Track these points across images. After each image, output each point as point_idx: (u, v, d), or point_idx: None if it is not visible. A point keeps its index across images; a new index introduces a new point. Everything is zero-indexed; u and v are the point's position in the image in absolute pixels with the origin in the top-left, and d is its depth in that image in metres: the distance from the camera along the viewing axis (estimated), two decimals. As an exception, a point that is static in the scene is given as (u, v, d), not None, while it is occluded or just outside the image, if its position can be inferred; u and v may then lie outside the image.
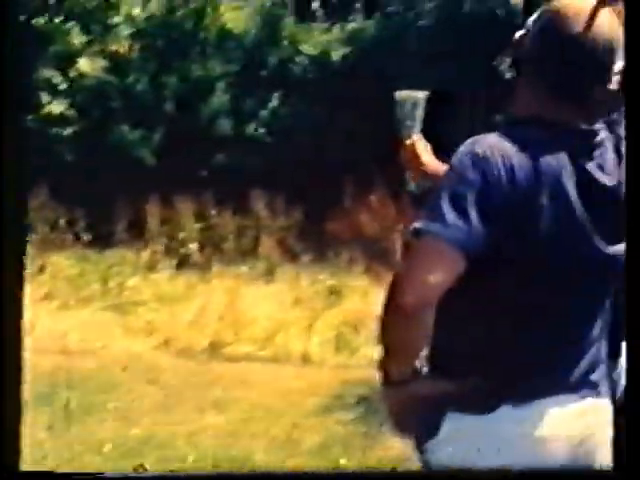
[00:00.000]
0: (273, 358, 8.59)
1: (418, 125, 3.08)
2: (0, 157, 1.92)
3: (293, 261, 12.10)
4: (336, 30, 15.89)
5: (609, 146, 2.25)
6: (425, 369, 2.24)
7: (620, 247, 2.23)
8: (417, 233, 2.10)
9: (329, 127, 14.92)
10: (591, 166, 2.19)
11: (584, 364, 2.27)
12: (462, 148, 2.17)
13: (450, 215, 2.06)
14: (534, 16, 2.28)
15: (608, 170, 2.22)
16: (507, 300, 2.18)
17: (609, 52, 2.20)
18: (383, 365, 2.24)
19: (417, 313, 2.07)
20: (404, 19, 15.93)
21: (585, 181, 2.17)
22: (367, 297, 10.41)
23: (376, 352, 7.97)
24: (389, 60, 15.24)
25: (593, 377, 2.29)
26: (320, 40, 15.72)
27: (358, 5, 16.05)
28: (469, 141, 2.18)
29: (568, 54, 2.19)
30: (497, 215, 2.08)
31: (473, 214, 2.06)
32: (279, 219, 13.03)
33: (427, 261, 2.06)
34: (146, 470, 6.14)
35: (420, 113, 3.08)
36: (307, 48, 15.53)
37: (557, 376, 2.24)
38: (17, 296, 1.90)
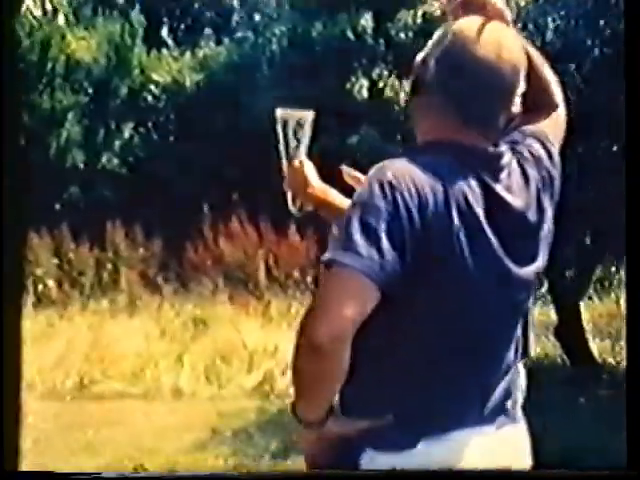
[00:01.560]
0: (144, 394, 8.37)
1: (304, 146, 2.95)
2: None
3: (155, 293, 11.88)
4: (187, 57, 15.78)
5: (515, 167, 2.20)
6: (339, 407, 2.15)
7: (530, 268, 2.19)
8: (329, 264, 2.00)
9: (184, 155, 14.76)
10: (499, 188, 2.14)
11: (499, 392, 2.21)
12: (370, 174, 2.08)
13: (362, 245, 1.97)
14: (435, 37, 2.21)
15: (515, 192, 2.17)
16: (420, 331, 2.11)
17: (514, 74, 2.16)
18: (297, 404, 2.12)
19: (332, 349, 1.95)
20: (255, 44, 15.92)
21: (494, 204, 2.12)
22: (234, 326, 10.28)
23: (248, 381, 7.80)
24: (242, 85, 15.19)
25: (508, 404, 2.24)
26: (172, 67, 15.57)
27: (208, 31, 15.98)
28: (376, 167, 2.09)
29: (472, 77, 2.13)
30: (409, 243, 2.00)
31: (385, 244, 1.98)
32: (138, 251, 12.79)
33: (340, 294, 1.96)
34: (146, 470, 5.90)
35: (306, 134, 2.95)
36: (158, 76, 15.35)
37: (473, 408, 2.17)
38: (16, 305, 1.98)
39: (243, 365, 8.83)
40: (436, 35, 2.22)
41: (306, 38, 15.26)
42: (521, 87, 2.19)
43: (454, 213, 2.06)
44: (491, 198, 2.12)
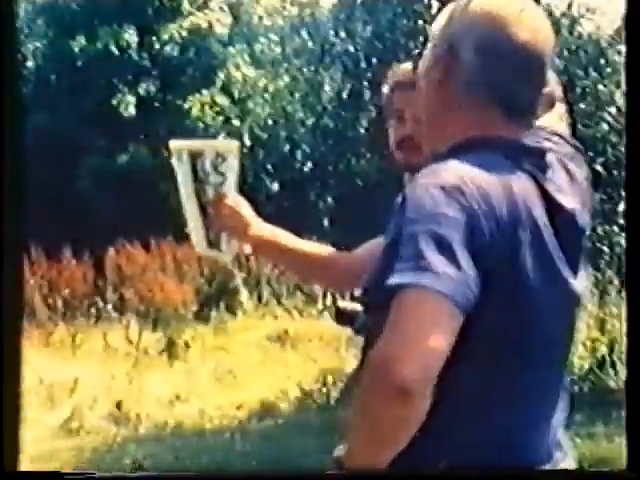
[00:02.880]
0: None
1: (233, 181, 2.49)
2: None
3: None
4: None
5: (557, 165, 1.92)
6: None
7: (581, 280, 1.90)
8: (401, 289, 1.63)
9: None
10: (551, 188, 1.85)
11: (555, 424, 1.90)
12: (422, 181, 1.73)
13: (438, 262, 1.62)
14: (444, 19, 1.86)
15: (565, 191, 1.88)
16: (481, 363, 1.75)
17: (549, 57, 1.87)
18: (360, 456, 1.69)
19: (422, 390, 1.59)
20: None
21: (549, 205, 1.82)
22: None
23: (53, 419, 7.11)
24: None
25: (559, 435, 1.94)
26: None
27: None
28: (429, 171, 1.74)
29: (518, 65, 1.82)
30: (483, 255, 1.68)
31: (462, 258, 1.65)
32: None
33: (427, 323, 1.60)
34: (145, 469, 5.68)
35: (233, 167, 2.48)
36: None
37: (537, 446, 1.85)
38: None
39: (43, 402, 8.17)
40: (443, 17, 1.89)
41: (66, 53, 14.57)
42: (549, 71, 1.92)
43: (518, 217, 1.74)
44: (546, 199, 1.83)
